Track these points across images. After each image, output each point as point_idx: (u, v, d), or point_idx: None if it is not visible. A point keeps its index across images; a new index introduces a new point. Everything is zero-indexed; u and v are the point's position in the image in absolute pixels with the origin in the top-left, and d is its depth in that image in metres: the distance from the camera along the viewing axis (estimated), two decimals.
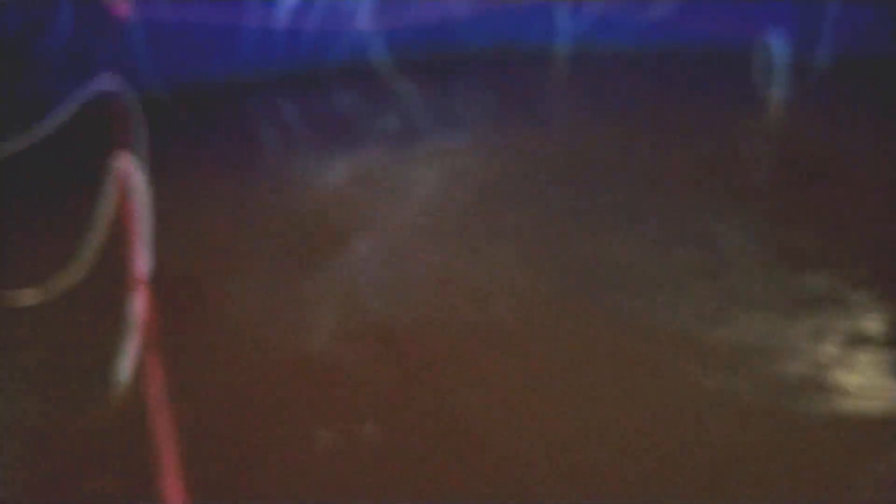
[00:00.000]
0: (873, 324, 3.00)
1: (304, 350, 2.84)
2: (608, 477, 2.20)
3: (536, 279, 3.34)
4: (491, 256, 3.57)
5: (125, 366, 2.45)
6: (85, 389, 2.50)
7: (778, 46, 5.17)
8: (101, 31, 5.50)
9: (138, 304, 2.50)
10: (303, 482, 2.14)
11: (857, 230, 3.85)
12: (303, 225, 4.09)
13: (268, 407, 2.51)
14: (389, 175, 4.74)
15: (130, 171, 2.63)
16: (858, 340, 2.87)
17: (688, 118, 5.58)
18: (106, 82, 4.19)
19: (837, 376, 2.67)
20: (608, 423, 2.45)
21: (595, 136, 5.28)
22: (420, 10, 6.83)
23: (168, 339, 2.51)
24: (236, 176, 4.76)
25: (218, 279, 3.27)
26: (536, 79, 6.67)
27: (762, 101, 5.43)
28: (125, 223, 2.56)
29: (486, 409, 2.50)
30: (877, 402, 2.54)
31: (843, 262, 3.50)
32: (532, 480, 2.18)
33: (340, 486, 2.15)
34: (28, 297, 3.04)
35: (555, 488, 2.15)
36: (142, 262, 2.59)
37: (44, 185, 4.08)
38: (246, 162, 5.06)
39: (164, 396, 2.08)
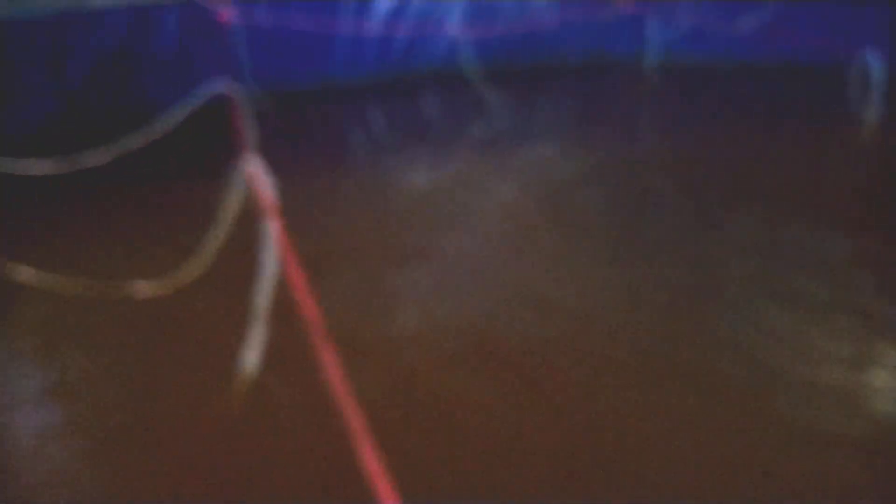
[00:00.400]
0: None
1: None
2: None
3: (627, 296, 3.36)
4: (578, 269, 3.62)
5: (252, 356, 2.67)
6: (213, 380, 2.74)
7: (874, 63, 5.04)
8: (206, 36, 5.88)
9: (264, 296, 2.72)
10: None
11: None
12: (391, 224, 4.27)
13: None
14: (474, 180, 4.88)
15: (257, 169, 2.85)
16: None
17: (778, 132, 5.55)
18: (218, 85, 4.45)
19: None
20: (701, 450, 2.43)
21: (683, 148, 5.31)
22: (510, 19, 6.99)
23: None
24: (330, 176, 4.99)
25: (325, 269, 3.44)
26: (625, 89, 6.71)
27: (856, 118, 5.33)
28: (257, 217, 2.77)
29: (595, 428, 2.54)
30: None
31: None
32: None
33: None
34: (150, 289, 3.32)
35: None
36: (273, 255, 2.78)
37: (164, 181, 4.40)
38: (339, 164, 5.31)
39: (343, 386, 2.19)
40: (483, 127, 5.88)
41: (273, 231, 2.66)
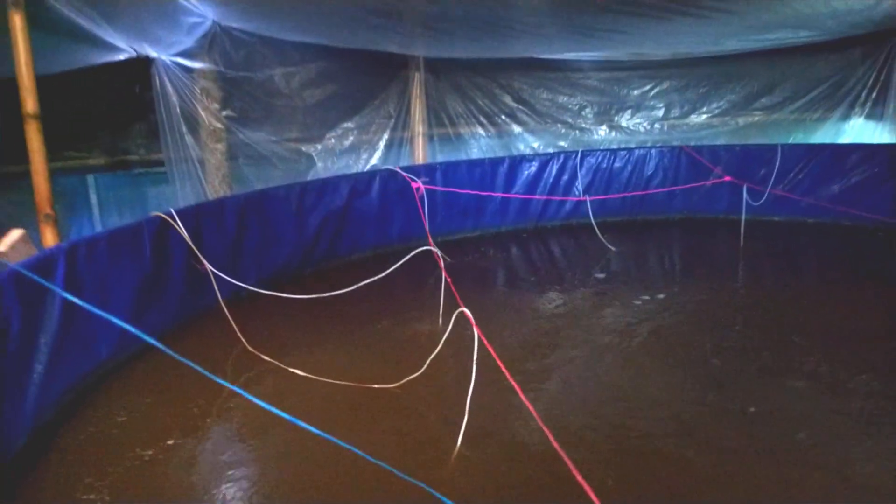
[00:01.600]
0: None
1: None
2: None
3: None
4: (678, 391, 4.94)
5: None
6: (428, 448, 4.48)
7: None
8: (400, 197, 7.97)
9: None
10: None
11: None
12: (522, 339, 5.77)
13: None
14: (589, 308, 6.37)
15: (469, 320, 4.58)
16: None
17: (852, 282, 6.87)
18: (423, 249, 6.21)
19: None
20: None
21: (770, 290, 6.76)
22: (626, 189, 8.83)
23: None
24: (479, 300, 6.62)
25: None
26: (718, 241, 8.23)
27: None
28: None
29: None
30: None
31: None
32: None
33: None
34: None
35: None
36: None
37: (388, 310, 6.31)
38: (486, 289, 6.98)
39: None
40: (600, 266, 7.54)
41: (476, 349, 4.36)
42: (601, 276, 7.27)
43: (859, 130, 9.36)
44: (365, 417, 4.46)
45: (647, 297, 6.42)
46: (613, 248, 8.05)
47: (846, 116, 9.42)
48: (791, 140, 9.49)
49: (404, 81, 8.73)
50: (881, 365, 4.99)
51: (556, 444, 3.38)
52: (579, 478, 2.92)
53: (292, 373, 4.96)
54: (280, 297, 5.85)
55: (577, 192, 8.83)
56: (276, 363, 5.09)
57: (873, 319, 5.96)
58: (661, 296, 6.45)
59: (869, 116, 9.45)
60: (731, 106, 9.53)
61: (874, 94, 9.30)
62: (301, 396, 4.70)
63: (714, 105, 9.54)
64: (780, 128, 9.46)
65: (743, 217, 8.17)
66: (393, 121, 8.76)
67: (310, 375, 4.93)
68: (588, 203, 8.69)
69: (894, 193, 8.02)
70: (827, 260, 7.79)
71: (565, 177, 8.88)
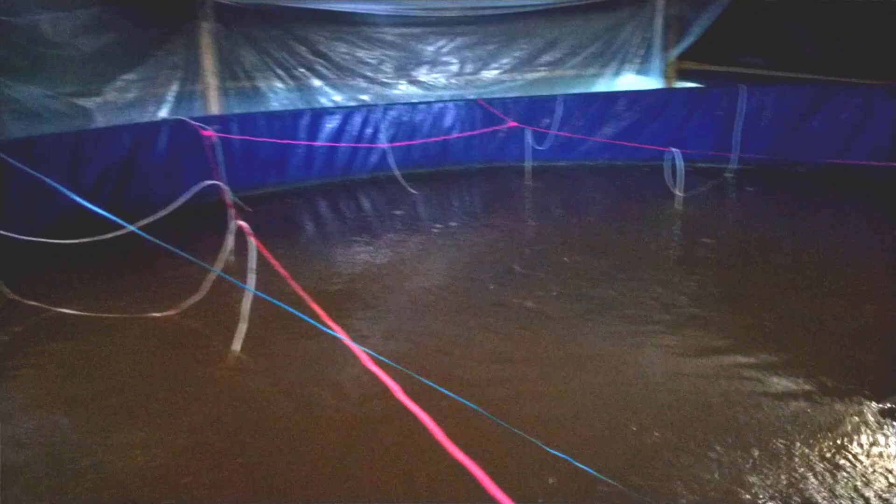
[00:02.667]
0: None
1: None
2: None
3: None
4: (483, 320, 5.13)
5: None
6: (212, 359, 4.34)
7: (679, 158, 7.23)
8: (191, 149, 7.58)
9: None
10: None
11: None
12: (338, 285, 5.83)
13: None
14: (404, 251, 6.55)
15: (245, 231, 4.50)
16: None
17: (624, 209, 7.70)
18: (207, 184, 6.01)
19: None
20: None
21: (560, 222, 7.38)
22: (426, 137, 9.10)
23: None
24: (286, 254, 6.56)
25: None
26: (513, 185, 8.79)
27: (672, 197, 7.46)
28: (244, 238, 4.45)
29: None
30: None
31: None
32: None
33: None
34: (165, 312, 4.88)
35: None
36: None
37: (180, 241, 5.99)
38: (293, 243, 6.90)
39: None
40: (407, 213, 7.76)
41: (254, 249, 4.32)
42: (399, 212, 7.55)
43: (631, 85, 10.38)
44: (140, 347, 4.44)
45: (439, 227, 6.73)
46: (415, 192, 8.30)
47: (618, 71, 10.42)
48: None
49: (192, 30, 8.32)
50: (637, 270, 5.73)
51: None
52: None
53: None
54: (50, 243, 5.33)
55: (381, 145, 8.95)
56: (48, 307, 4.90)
57: (640, 234, 6.73)
58: (454, 223, 6.81)
59: (639, 72, 10.53)
60: (518, 62, 10.15)
61: (641, 51, 10.37)
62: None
63: (504, 61, 10.11)
64: (563, 83, 10.24)
65: (528, 161, 8.83)
66: (182, 72, 8.34)
67: (84, 313, 4.76)
68: (390, 152, 8.85)
69: (659, 132, 8.98)
70: (605, 194, 8.61)
71: (369, 130, 8.97)
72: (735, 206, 7.78)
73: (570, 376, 4.10)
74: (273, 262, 4.23)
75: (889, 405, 3.66)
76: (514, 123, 9.03)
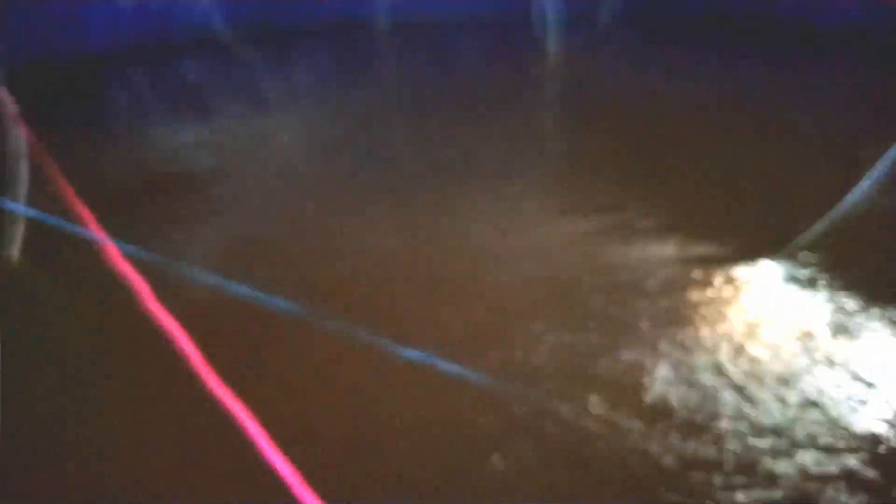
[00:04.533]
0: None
1: None
2: None
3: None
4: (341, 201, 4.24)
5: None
6: None
7: (551, 5, 6.44)
8: None
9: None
10: None
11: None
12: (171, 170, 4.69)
13: None
14: (239, 134, 5.41)
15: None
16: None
17: (487, 69, 6.89)
18: None
19: None
20: None
21: (417, 88, 6.40)
22: None
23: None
24: (95, 138, 5.26)
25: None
26: (364, 46, 7.64)
27: (545, 50, 6.77)
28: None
29: None
30: None
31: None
32: None
33: None
34: None
35: None
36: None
37: None
38: (103, 127, 5.54)
39: None
40: (242, 85, 6.44)
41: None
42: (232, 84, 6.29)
43: None
44: None
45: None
46: (256, 62, 6.98)
47: None
48: None
49: None
50: None
51: None
52: None
53: None
54: None
55: None
56: None
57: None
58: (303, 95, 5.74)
59: None
60: None
61: None
62: None
63: None
64: None
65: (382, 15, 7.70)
66: None
67: None
68: (215, 7, 7.32)
69: None
70: (476, 50, 7.65)
71: None
72: (615, 59, 7.17)
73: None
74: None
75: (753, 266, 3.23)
76: None
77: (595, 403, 2.32)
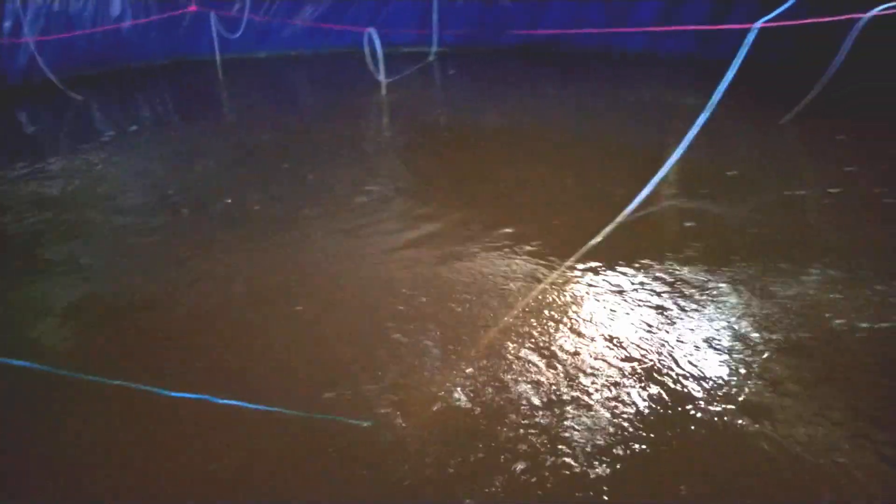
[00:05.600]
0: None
1: None
2: None
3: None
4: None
5: None
6: None
7: (377, 39, 6.76)
8: None
9: None
10: None
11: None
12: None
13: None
14: (78, 170, 5.25)
15: None
16: None
17: (328, 98, 7.16)
18: None
19: None
20: None
21: (259, 121, 6.52)
22: (85, 26, 7.44)
23: None
24: None
25: None
26: (204, 82, 7.70)
27: (378, 84, 7.10)
28: None
29: None
30: None
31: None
32: None
33: None
34: None
35: None
36: None
37: None
38: None
39: None
40: (78, 125, 6.34)
41: None
42: (65, 127, 6.15)
43: None
44: None
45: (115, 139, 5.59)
46: (80, 97, 6.88)
47: None
48: None
49: None
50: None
51: None
52: None
53: None
54: None
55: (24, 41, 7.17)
56: None
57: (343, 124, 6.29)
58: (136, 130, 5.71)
59: None
60: None
61: None
62: None
63: None
64: None
65: (218, 53, 7.79)
66: None
67: None
68: (35, 52, 7.13)
69: (361, 14, 8.44)
70: (310, 85, 7.96)
71: (6, 23, 7.14)
72: (438, 88, 7.69)
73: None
74: None
75: (570, 265, 3.61)
76: (196, 7, 7.81)
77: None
